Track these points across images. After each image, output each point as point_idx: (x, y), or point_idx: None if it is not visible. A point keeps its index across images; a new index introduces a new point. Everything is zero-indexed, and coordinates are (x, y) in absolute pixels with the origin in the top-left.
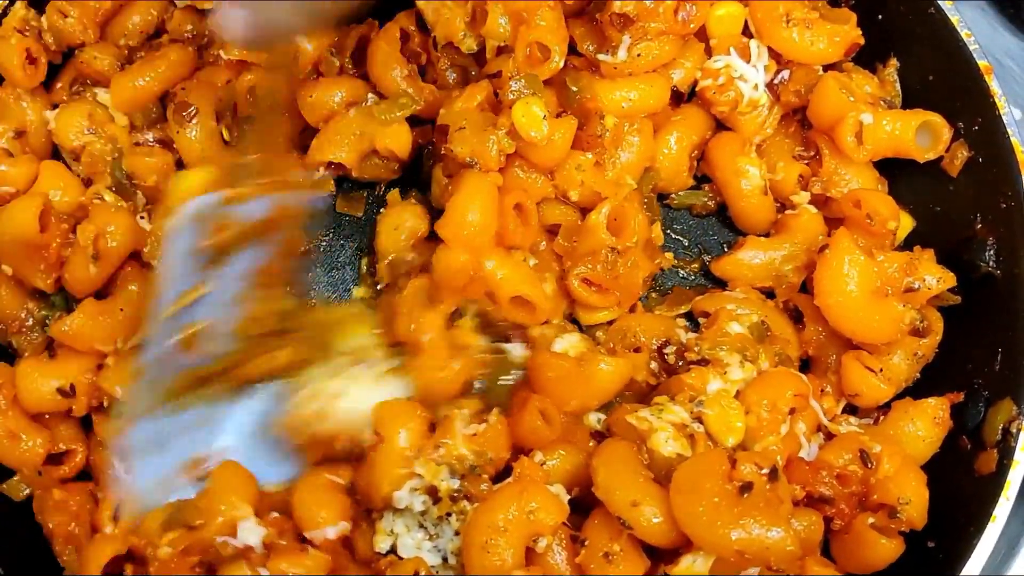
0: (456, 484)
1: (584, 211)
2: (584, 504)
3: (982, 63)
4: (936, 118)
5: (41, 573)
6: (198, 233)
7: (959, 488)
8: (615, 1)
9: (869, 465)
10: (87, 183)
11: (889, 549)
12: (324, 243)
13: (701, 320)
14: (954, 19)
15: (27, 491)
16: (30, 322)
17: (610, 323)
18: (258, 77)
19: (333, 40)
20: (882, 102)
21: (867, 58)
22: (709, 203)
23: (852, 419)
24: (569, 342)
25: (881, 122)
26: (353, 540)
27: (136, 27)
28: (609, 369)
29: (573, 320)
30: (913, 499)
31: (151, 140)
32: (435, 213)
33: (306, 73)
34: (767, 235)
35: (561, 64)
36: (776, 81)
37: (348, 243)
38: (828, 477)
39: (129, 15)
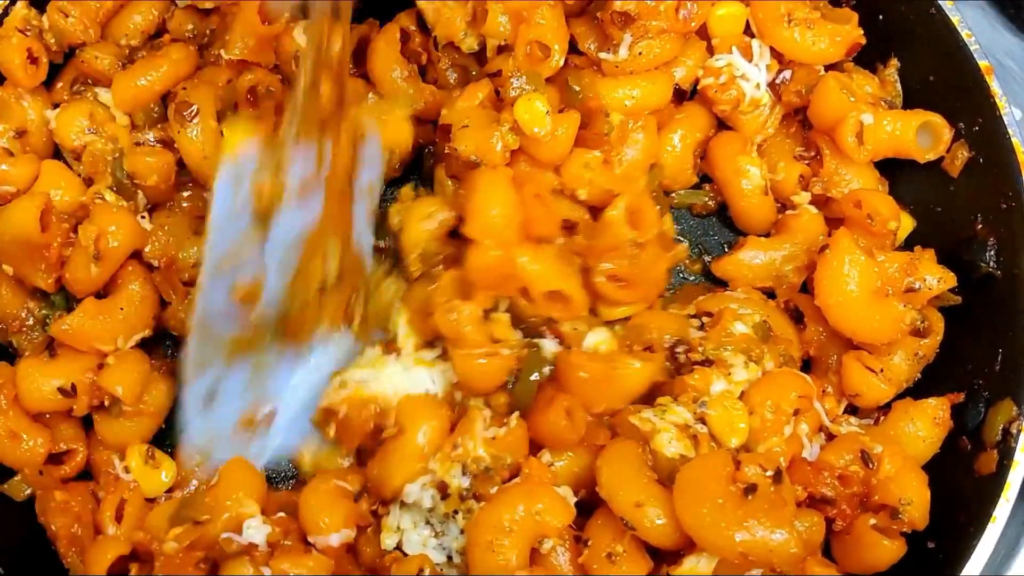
0: (467, 483)
1: (593, 210)
2: (587, 504)
3: (983, 63)
4: (937, 118)
5: (42, 573)
6: (253, 192)
7: (959, 489)
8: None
9: (870, 466)
10: (88, 183)
11: (891, 550)
12: None
13: (704, 320)
14: (955, 19)
15: (28, 491)
16: (31, 321)
17: (626, 319)
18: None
19: None
20: (883, 102)
21: (868, 58)
22: (709, 203)
23: (852, 419)
24: (600, 337)
25: (882, 122)
26: (358, 545)
27: (137, 27)
28: (639, 370)
29: (593, 315)
30: (914, 500)
31: (152, 140)
32: None
33: None
34: (767, 235)
35: (561, 62)
36: (778, 81)
37: None
38: (830, 478)
39: (130, 14)
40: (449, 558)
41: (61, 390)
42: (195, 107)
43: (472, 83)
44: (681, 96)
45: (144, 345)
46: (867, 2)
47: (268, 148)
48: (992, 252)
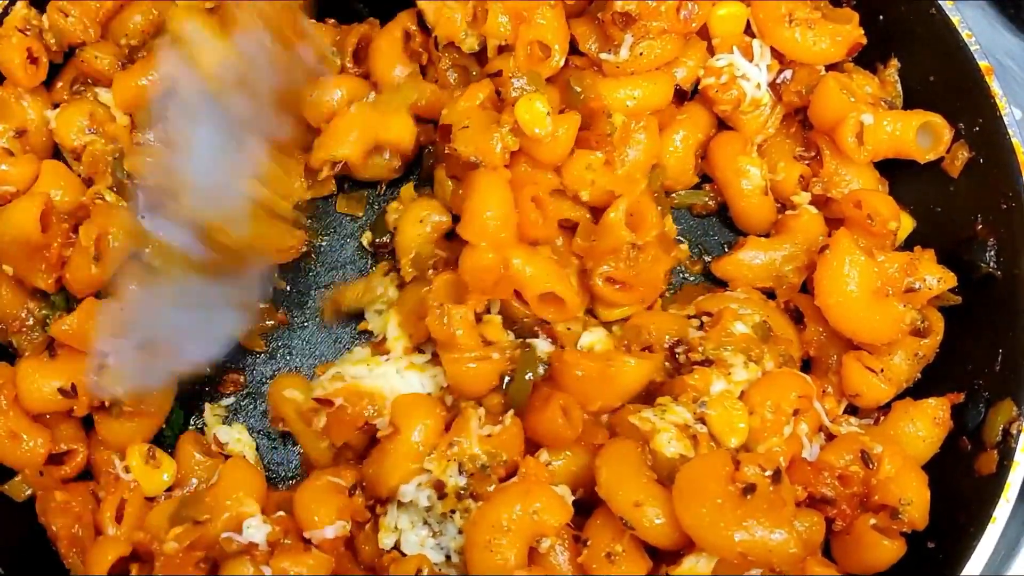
0: (463, 482)
1: (595, 210)
2: (587, 504)
3: (983, 63)
4: (937, 119)
5: (42, 574)
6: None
7: (959, 489)
8: (617, 0)
9: (870, 466)
10: (88, 183)
11: (891, 550)
12: (324, 243)
13: (704, 320)
14: (955, 19)
15: (28, 491)
16: (31, 322)
17: (625, 319)
18: None
19: (335, 39)
20: (883, 103)
21: (868, 58)
22: (710, 203)
23: (852, 419)
24: (596, 336)
25: (882, 123)
26: (357, 543)
27: (137, 26)
28: (635, 368)
29: (591, 316)
30: (915, 500)
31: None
32: None
33: None
34: (767, 235)
35: (562, 62)
36: (778, 81)
37: (348, 243)
38: (830, 478)
39: (130, 14)
40: (447, 558)
41: (61, 390)
42: None
43: (473, 83)
44: (682, 96)
45: None
46: (867, 2)
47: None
48: (992, 252)
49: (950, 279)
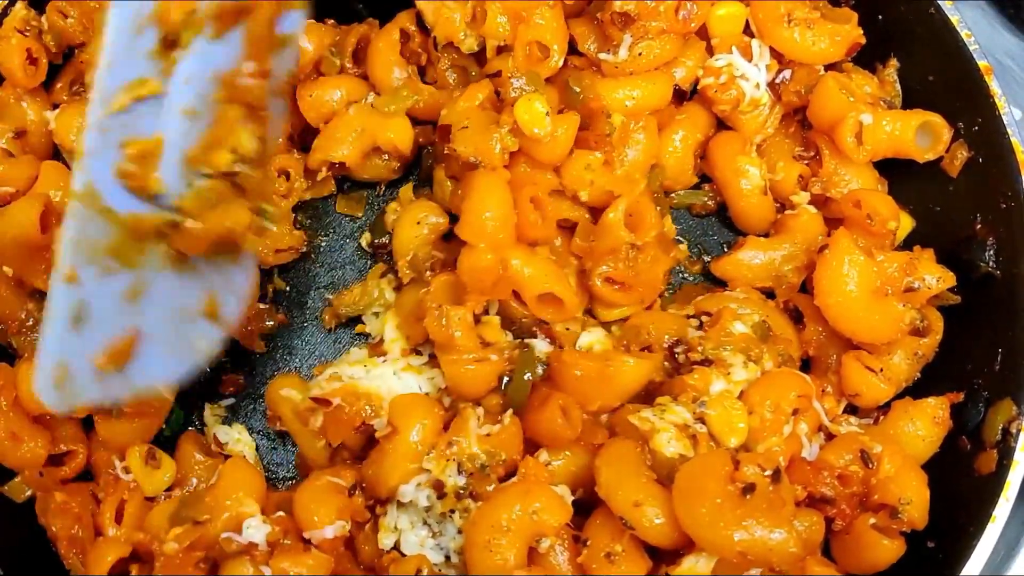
0: (463, 481)
1: (594, 211)
2: (586, 504)
3: (982, 63)
4: (936, 118)
5: (42, 575)
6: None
7: (959, 488)
8: (616, 0)
9: (870, 465)
10: None
11: (890, 549)
12: (324, 243)
13: (703, 320)
14: (954, 19)
15: (28, 492)
16: (30, 323)
17: (624, 319)
18: None
19: (334, 39)
20: (882, 102)
21: (867, 58)
22: (709, 203)
23: (852, 419)
24: (595, 336)
25: (881, 122)
26: (357, 543)
27: None
28: (634, 368)
29: (590, 316)
30: (914, 499)
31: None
32: None
33: (306, 73)
34: (767, 235)
35: (560, 63)
36: (777, 81)
37: (348, 243)
38: (829, 477)
39: None
40: (447, 558)
41: None
42: None
43: (472, 84)
44: (681, 96)
45: None
46: (866, 2)
47: None
48: (991, 251)
49: (949, 278)
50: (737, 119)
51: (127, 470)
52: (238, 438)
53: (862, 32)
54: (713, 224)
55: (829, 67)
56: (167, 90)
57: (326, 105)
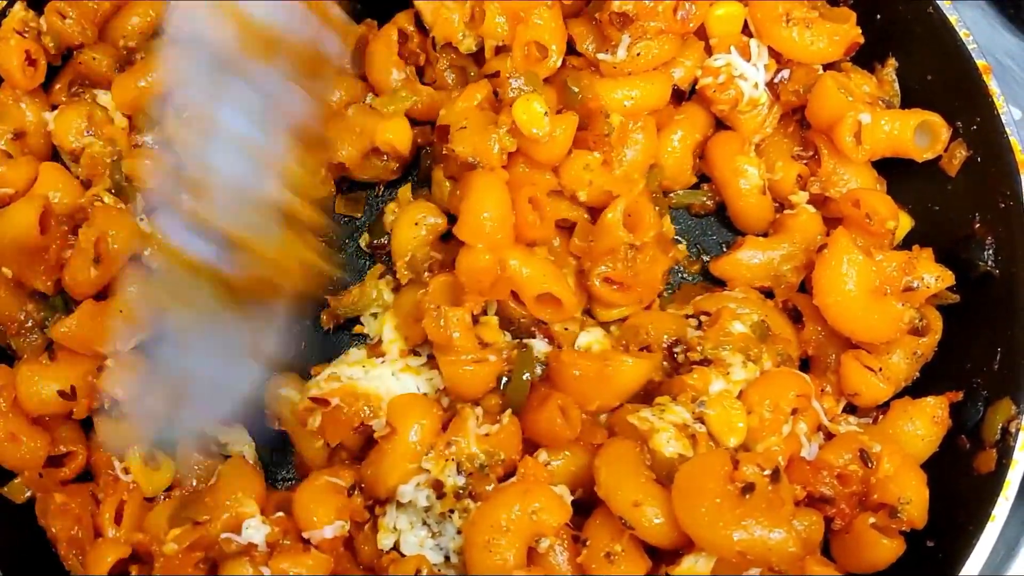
0: (462, 481)
1: (592, 211)
2: (586, 504)
3: (980, 62)
4: (934, 118)
5: (42, 575)
6: (212, 22)
7: (958, 488)
8: (614, 0)
9: (869, 465)
10: (86, 185)
11: (890, 549)
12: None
13: (702, 319)
14: (952, 19)
15: (28, 493)
16: (29, 324)
17: (623, 319)
18: None
19: None
20: (880, 102)
21: (866, 58)
22: (708, 203)
23: (851, 418)
24: (594, 336)
25: (879, 122)
26: (356, 543)
27: (135, 28)
28: (633, 368)
29: (589, 316)
30: (914, 499)
31: (150, 142)
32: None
33: None
34: (766, 235)
35: (559, 63)
36: (776, 80)
37: (347, 244)
38: (828, 477)
39: (128, 16)
40: (447, 558)
41: (61, 393)
42: None
43: (470, 84)
44: (679, 96)
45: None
46: (865, 1)
47: None
48: (990, 251)
49: (948, 278)
50: (736, 119)
51: (127, 471)
52: (237, 438)
53: (860, 31)
54: (712, 224)
55: (828, 67)
56: (220, 120)
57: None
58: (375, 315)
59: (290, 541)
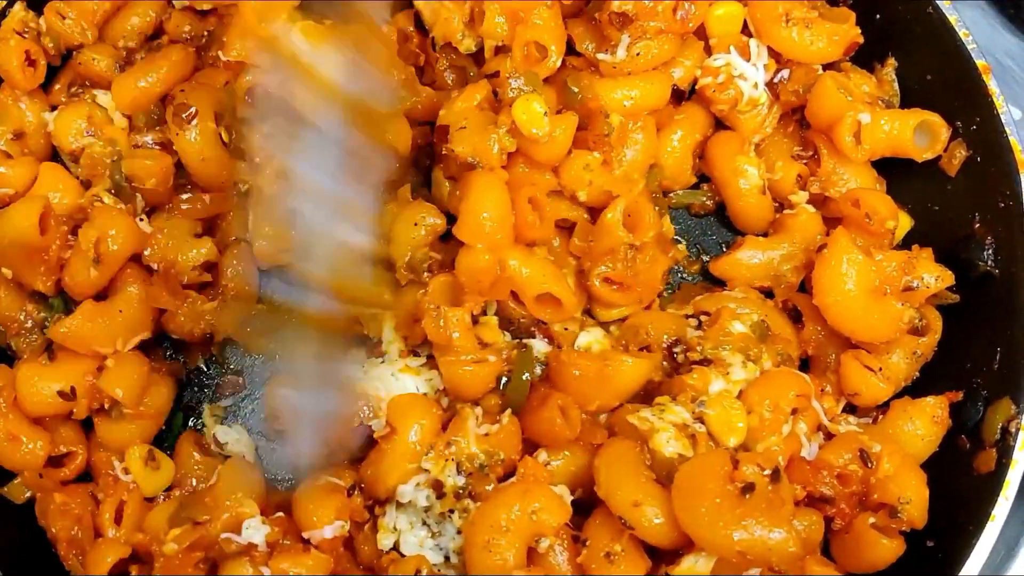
0: (462, 481)
1: (592, 211)
2: (586, 504)
3: (980, 62)
4: (934, 117)
5: (42, 575)
6: (285, 74)
7: (958, 487)
8: (614, 0)
9: (869, 465)
10: (86, 185)
11: (890, 549)
12: None
13: (702, 319)
14: (952, 18)
15: (28, 494)
16: (29, 324)
17: (623, 319)
18: None
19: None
20: (880, 102)
21: (865, 58)
22: (707, 202)
23: (851, 418)
24: (594, 336)
25: (879, 122)
26: (356, 544)
27: (134, 28)
28: (633, 368)
29: (589, 316)
30: (913, 498)
31: (150, 142)
32: None
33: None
34: (765, 235)
35: (559, 63)
36: (775, 80)
37: None
38: (828, 477)
39: (127, 16)
40: (446, 558)
41: (61, 393)
42: (193, 109)
43: (470, 84)
44: (679, 96)
45: (143, 347)
46: (865, 1)
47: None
48: (990, 250)
49: (948, 277)
50: (735, 119)
51: (126, 471)
52: (237, 438)
53: (860, 31)
54: (712, 224)
55: (827, 66)
56: (299, 171)
57: None
58: (374, 315)
59: (290, 541)
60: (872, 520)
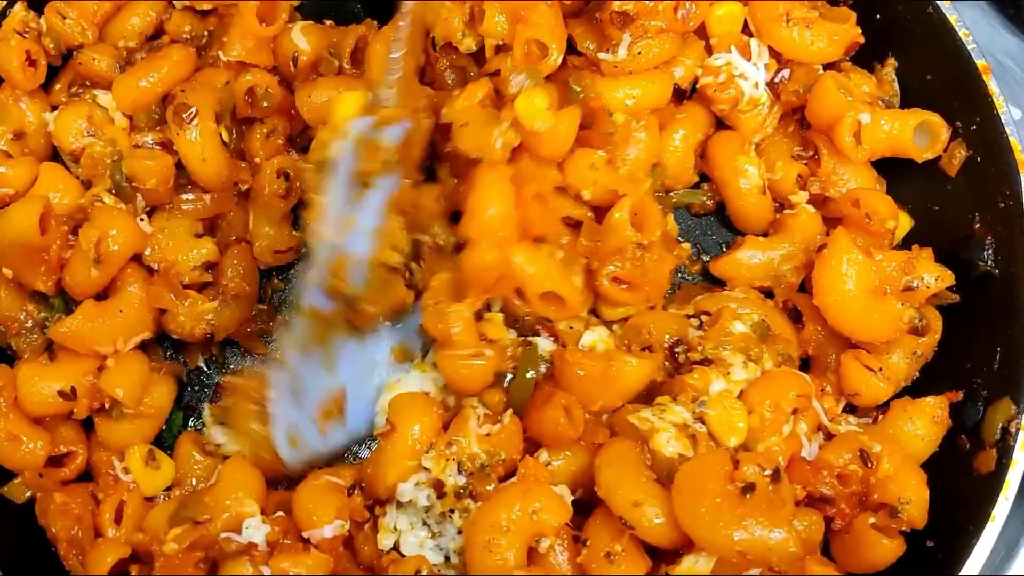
0: (462, 481)
1: (597, 210)
2: (586, 504)
3: (980, 62)
4: (934, 117)
5: (42, 575)
6: (357, 156)
7: (958, 487)
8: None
9: (869, 465)
10: (87, 185)
11: (890, 549)
12: None
13: (703, 319)
14: (952, 18)
15: (28, 494)
16: (29, 324)
17: (625, 319)
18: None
19: (332, 40)
20: (880, 102)
21: (865, 58)
22: (708, 202)
23: (851, 418)
24: (598, 335)
25: (879, 122)
26: (356, 543)
27: (135, 28)
28: (637, 368)
29: (593, 315)
30: (913, 498)
31: (151, 142)
32: None
33: (305, 74)
34: (765, 235)
35: (559, 61)
36: (776, 80)
37: None
38: (828, 477)
39: (128, 16)
40: (447, 558)
41: (61, 393)
42: (194, 109)
43: (472, 82)
44: (680, 96)
45: (144, 347)
46: (865, 1)
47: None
48: (990, 250)
49: (948, 277)
50: (736, 118)
51: (127, 471)
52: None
53: (860, 31)
54: (712, 224)
55: (827, 66)
56: (358, 219)
57: (325, 106)
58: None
59: (290, 541)
60: (872, 520)
